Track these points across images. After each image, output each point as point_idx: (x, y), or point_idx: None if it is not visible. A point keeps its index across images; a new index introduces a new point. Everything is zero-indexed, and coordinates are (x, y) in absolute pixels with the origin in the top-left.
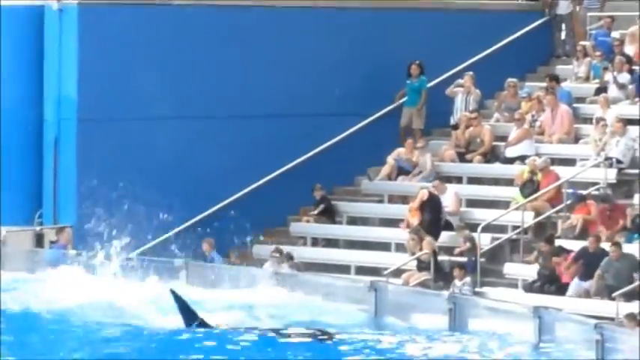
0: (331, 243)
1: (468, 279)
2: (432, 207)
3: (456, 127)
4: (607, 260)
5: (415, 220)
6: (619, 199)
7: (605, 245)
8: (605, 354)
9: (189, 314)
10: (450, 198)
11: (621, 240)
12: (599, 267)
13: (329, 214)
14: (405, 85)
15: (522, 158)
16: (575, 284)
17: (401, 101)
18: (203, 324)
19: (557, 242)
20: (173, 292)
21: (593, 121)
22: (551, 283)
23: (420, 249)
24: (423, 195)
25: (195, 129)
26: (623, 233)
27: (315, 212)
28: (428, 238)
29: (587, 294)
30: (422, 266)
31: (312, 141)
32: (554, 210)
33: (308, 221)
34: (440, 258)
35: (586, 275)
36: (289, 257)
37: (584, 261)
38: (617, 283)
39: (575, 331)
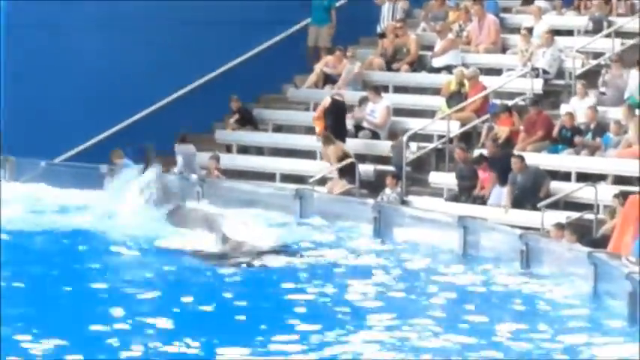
0: (257, 150)
1: (399, 188)
2: (334, 113)
3: (382, 35)
4: (512, 174)
5: (318, 128)
6: (546, 109)
7: (530, 155)
8: (530, 264)
9: None
10: (380, 109)
11: (542, 151)
12: (508, 179)
13: (251, 123)
14: (312, 3)
15: (448, 68)
16: (495, 192)
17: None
18: None
19: (481, 152)
20: None
21: (521, 31)
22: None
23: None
24: (326, 102)
25: (122, 36)
26: (545, 144)
27: (232, 121)
28: (331, 147)
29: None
30: (341, 174)
31: (240, 48)
32: (480, 120)
33: (234, 129)
34: (365, 167)
35: (503, 180)
36: (216, 158)
37: (497, 168)
38: (526, 196)
39: (500, 241)
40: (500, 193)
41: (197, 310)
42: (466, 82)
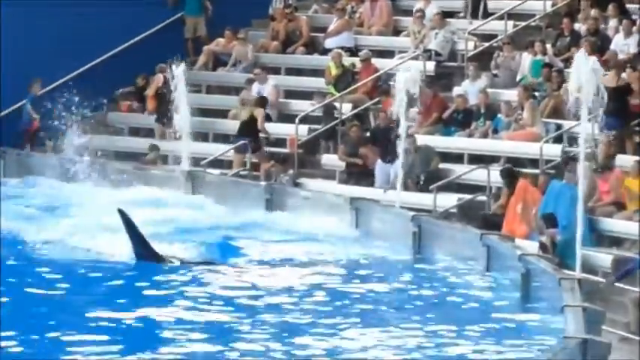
0: (151, 133)
1: (290, 171)
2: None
3: (273, 18)
4: (405, 156)
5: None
6: (438, 91)
7: (424, 138)
8: (422, 245)
9: (139, 244)
10: (268, 89)
11: (435, 133)
12: (401, 162)
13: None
14: None
15: (341, 50)
16: (379, 169)
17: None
18: (157, 258)
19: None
20: (121, 212)
21: (413, 13)
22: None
23: None
24: (159, 81)
25: (22, 12)
26: (438, 127)
27: (123, 91)
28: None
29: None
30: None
31: (133, 29)
32: (372, 102)
33: (131, 107)
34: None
35: (385, 154)
36: (157, 148)
37: (380, 140)
38: (417, 173)
39: (392, 222)
40: (385, 171)
41: None
42: (345, 63)
